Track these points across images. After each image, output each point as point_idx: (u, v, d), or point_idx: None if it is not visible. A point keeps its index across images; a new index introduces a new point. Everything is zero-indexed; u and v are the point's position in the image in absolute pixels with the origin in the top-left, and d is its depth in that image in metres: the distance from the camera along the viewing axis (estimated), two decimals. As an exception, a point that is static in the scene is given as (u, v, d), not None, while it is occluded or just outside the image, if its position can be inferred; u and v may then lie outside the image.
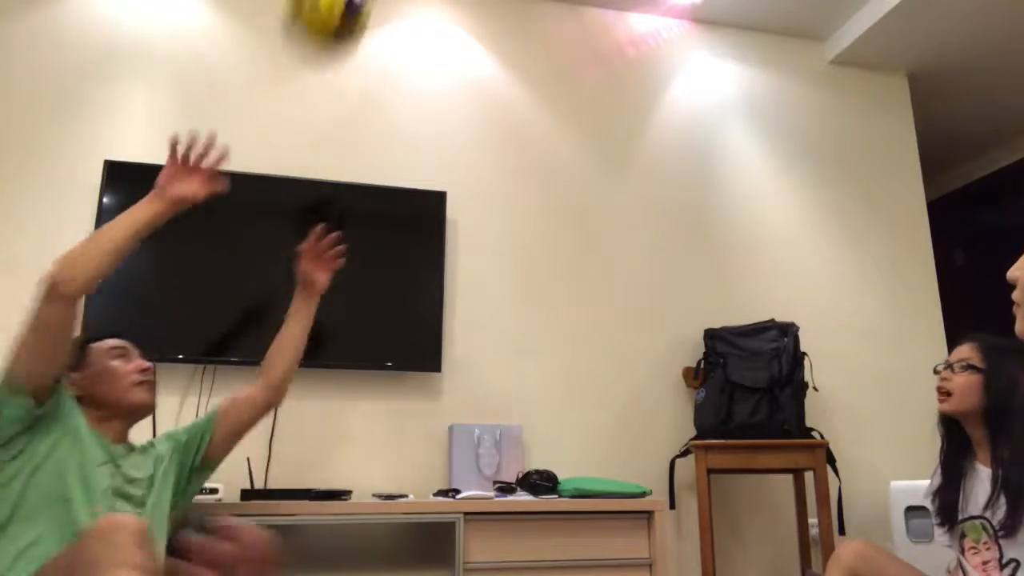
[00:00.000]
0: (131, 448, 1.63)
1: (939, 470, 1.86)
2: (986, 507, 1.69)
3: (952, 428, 1.85)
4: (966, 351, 1.80)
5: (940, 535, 1.83)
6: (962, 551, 1.76)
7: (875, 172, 3.29)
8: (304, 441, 2.47)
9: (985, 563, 1.69)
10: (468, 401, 2.63)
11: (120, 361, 1.62)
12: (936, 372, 1.84)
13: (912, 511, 2.46)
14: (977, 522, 1.73)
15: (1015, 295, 0.90)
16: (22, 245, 2.40)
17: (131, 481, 1.56)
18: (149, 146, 2.58)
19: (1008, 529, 1.63)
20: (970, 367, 1.76)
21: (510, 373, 2.69)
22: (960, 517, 1.77)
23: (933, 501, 1.84)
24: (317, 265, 1.91)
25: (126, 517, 1.21)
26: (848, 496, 2.80)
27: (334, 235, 1.93)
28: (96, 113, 2.57)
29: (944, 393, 1.79)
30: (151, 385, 1.64)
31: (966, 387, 1.75)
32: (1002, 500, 1.65)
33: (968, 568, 1.73)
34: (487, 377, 2.67)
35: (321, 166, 2.70)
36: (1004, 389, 1.70)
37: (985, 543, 1.70)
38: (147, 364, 1.66)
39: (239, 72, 2.73)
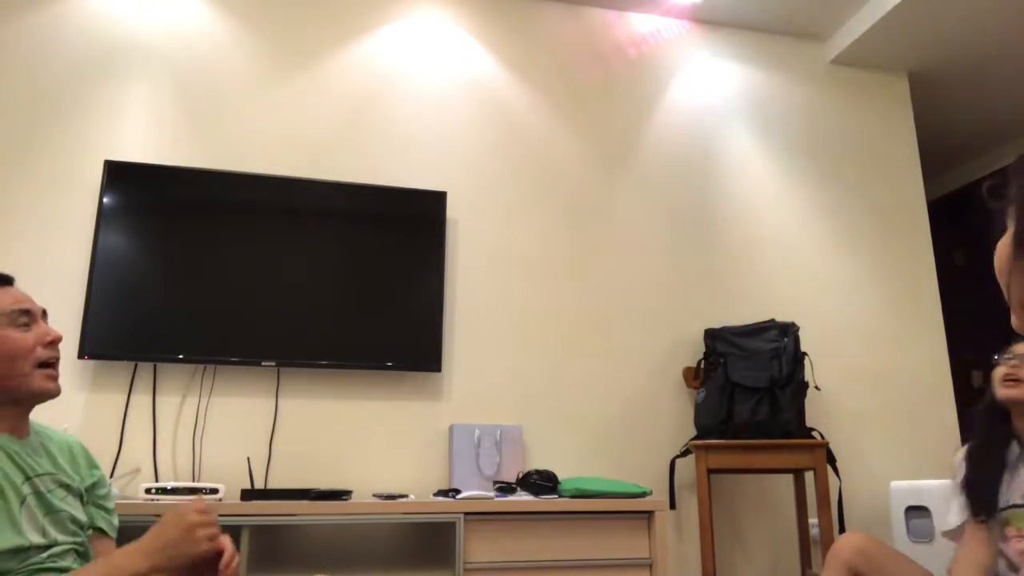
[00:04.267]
0: (35, 447, 1.24)
1: (971, 460, 1.85)
2: None
3: (995, 418, 1.85)
4: None
5: (971, 524, 1.81)
6: (1004, 539, 1.75)
7: (875, 172, 3.29)
8: (304, 441, 2.47)
9: None
10: (468, 401, 2.63)
11: (19, 330, 1.23)
12: (997, 363, 1.85)
13: (912, 511, 2.46)
14: (1022, 510, 1.72)
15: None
16: (22, 245, 2.40)
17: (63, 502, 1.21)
18: (149, 146, 2.58)
19: None
20: None
21: (510, 373, 2.69)
22: (1001, 505, 1.77)
23: (966, 490, 1.83)
24: None
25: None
26: (848, 496, 2.80)
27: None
28: (96, 113, 2.57)
29: (1014, 380, 1.80)
30: (57, 365, 1.27)
31: None
32: None
33: (1010, 554, 1.72)
34: (487, 377, 2.67)
35: (321, 166, 2.70)
36: None
37: None
38: (56, 334, 1.28)
39: (239, 72, 2.73)
